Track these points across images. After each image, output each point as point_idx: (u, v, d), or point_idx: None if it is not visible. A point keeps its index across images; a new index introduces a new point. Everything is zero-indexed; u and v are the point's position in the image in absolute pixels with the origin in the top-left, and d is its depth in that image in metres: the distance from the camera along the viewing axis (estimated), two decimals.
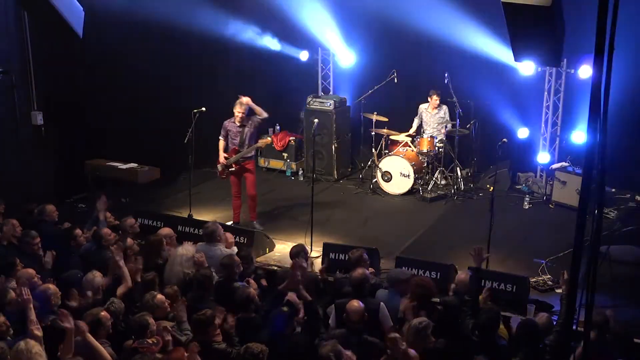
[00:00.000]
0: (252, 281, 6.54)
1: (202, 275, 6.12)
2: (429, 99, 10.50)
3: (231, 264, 6.37)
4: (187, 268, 6.38)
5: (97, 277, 6.00)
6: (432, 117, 10.57)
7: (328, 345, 4.84)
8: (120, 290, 6.00)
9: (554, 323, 5.61)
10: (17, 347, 4.51)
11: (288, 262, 6.94)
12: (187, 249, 6.64)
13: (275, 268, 7.32)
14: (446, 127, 10.53)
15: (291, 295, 5.68)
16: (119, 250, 6.30)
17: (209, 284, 6.08)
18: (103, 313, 5.25)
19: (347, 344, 5.15)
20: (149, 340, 4.95)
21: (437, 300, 6.27)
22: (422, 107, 10.67)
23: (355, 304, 5.49)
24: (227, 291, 6.11)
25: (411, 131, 10.76)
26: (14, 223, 7.10)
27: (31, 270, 6.11)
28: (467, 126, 10.41)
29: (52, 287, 5.67)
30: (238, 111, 8.63)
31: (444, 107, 10.54)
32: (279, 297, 5.84)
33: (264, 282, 6.77)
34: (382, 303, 5.79)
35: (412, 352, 4.87)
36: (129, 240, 7.02)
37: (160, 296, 5.61)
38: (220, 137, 8.84)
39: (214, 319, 5.25)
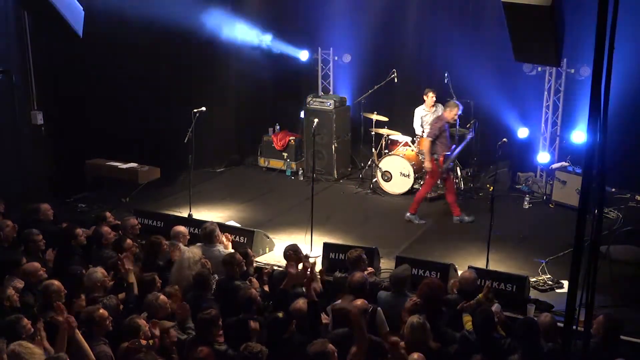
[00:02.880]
0: (254, 280, 6.54)
1: (200, 274, 6.13)
2: (425, 98, 10.45)
3: (232, 262, 6.38)
4: (195, 271, 6.35)
5: (97, 272, 6.01)
6: (432, 116, 10.55)
7: (317, 344, 4.83)
8: (121, 295, 6.01)
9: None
10: (12, 348, 4.50)
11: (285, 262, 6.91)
12: (193, 252, 6.62)
13: (275, 268, 7.32)
14: None
15: (300, 302, 5.64)
16: (129, 258, 6.31)
17: (207, 283, 6.08)
18: (101, 311, 5.25)
19: (350, 343, 5.15)
20: (143, 341, 4.95)
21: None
22: (419, 109, 10.63)
23: (358, 302, 5.49)
24: (228, 290, 6.11)
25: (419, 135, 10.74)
26: (9, 224, 7.10)
27: (36, 264, 6.13)
28: (467, 126, 10.41)
29: (56, 283, 5.67)
30: (455, 113, 8.84)
31: (440, 106, 10.53)
32: (283, 297, 5.82)
33: (266, 287, 6.75)
34: (379, 308, 5.78)
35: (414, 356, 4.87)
36: (128, 241, 7.01)
37: (163, 297, 5.61)
38: (429, 137, 8.89)
39: (218, 319, 5.24)
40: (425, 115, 10.59)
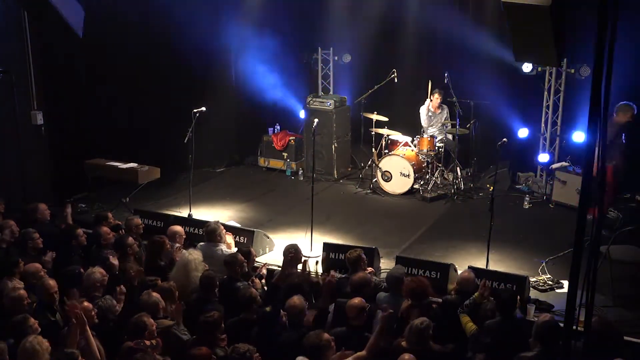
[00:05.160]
0: (257, 280, 6.53)
1: (206, 276, 6.11)
2: (431, 98, 10.47)
3: (234, 262, 6.37)
4: (201, 272, 6.35)
5: (96, 273, 6.01)
6: (436, 117, 10.58)
7: (312, 336, 4.85)
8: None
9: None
10: (24, 343, 4.59)
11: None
12: (196, 253, 6.62)
13: (275, 268, 7.32)
14: (446, 127, 10.54)
15: (295, 299, 5.66)
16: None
17: (213, 285, 6.07)
18: (85, 304, 5.26)
19: (349, 342, 5.16)
20: (147, 342, 4.95)
21: (439, 299, 6.29)
22: (424, 107, 10.66)
23: (356, 300, 5.51)
24: (230, 291, 6.10)
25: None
26: (12, 224, 7.11)
27: (37, 265, 6.13)
28: (467, 126, 10.41)
29: (52, 282, 5.69)
30: (630, 115, 8.38)
31: (446, 107, 10.55)
32: (274, 291, 5.84)
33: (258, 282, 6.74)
34: (379, 311, 5.78)
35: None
36: (130, 239, 7.02)
37: (155, 294, 5.60)
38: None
39: (221, 321, 5.23)
40: (430, 114, 10.59)
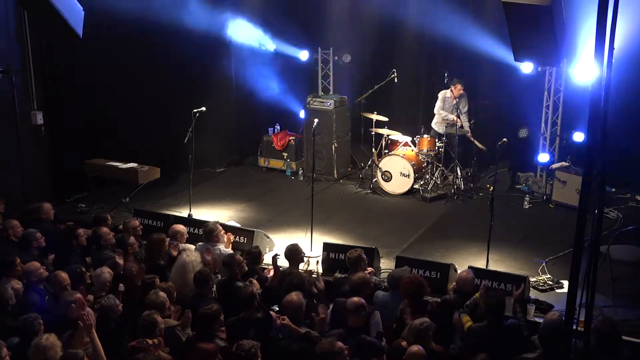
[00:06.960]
0: (254, 281, 6.54)
1: (200, 272, 6.12)
2: (452, 88, 10.21)
3: (232, 263, 6.38)
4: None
5: (105, 273, 6.02)
6: (451, 104, 10.38)
7: (325, 344, 4.84)
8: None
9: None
10: (38, 342, 4.64)
11: (285, 262, 6.88)
12: (194, 254, 6.61)
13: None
14: (458, 112, 10.27)
15: (292, 295, 5.66)
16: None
17: (207, 282, 6.08)
18: (87, 308, 5.27)
19: (345, 344, 5.15)
20: (149, 341, 4.96)
21: (438, 299, 6.29)
22: (443, 92, 10.45)
23: (355, 299, 5.51)
24: (230, 290, 6.10)
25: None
26: (15, 224, 7.12)
27: (36, 263, 6.13)
28: (467, 127, 10.40)
29: (64, 275, 5.75)
30: None
31: (465, 95, 10.32)
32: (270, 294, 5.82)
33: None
34: (376, 311, 5.78)
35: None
36: (131, 239, 7.03)
37: (162, 294, 5.61)
38: None
39: (219, 314, 5.25)
40: (446, 101, 10.45)
